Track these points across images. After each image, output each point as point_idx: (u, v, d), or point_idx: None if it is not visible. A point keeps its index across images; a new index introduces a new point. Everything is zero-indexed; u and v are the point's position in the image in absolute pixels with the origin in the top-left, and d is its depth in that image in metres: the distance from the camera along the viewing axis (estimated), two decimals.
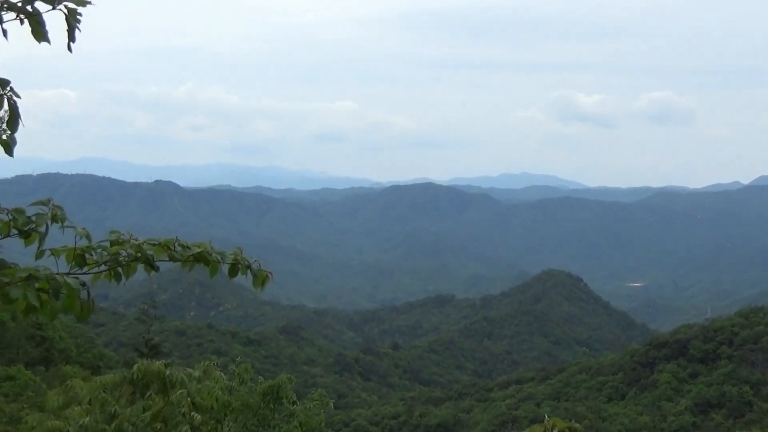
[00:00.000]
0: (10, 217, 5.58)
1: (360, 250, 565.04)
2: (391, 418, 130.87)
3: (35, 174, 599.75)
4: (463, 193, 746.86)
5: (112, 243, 5.84)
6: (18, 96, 5.45)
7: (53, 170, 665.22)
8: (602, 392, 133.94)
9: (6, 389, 44.21)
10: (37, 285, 5.34)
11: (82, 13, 5.45)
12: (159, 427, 13.11)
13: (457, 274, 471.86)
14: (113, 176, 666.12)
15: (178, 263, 6.12)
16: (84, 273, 5.74)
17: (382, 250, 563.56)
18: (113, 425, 13.30)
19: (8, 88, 5.41)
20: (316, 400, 19.24)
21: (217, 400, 15.59)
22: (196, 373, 15.36)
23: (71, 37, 5.43)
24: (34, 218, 5.66)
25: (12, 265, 5.51)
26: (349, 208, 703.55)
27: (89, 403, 14.02)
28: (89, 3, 5.44)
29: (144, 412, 13.29)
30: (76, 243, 5.71)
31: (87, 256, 5.77)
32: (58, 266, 5.68)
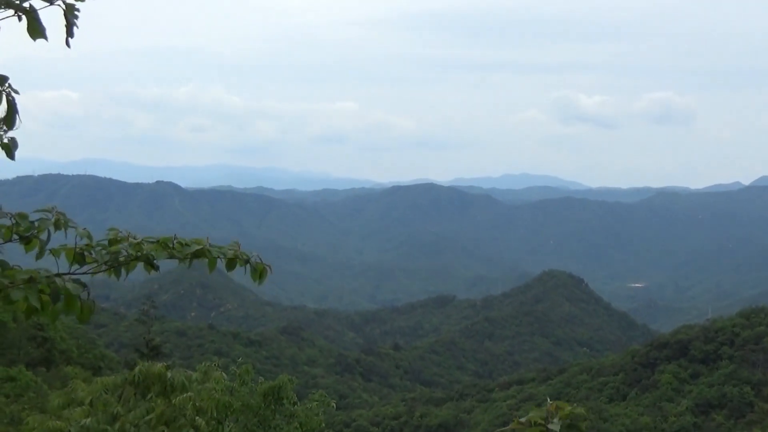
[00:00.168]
0: (13, 222, 5.60)
1: (361, 251, 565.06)
2: (392, 419, 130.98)
3: (36, 175, 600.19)
4: (464, 194, 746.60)
5: (111, 241, 5.86)
6: (16, 92, 5.46)
7: (54, 171, 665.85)
8: (603, 393, 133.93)
9: (7, 390, 44.23)
10: (37, 287, 5.36)
11: (80, 9, 5.46)
12: (162, 430, 13.13)
13: (458, 275, 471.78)
14: (114, 177, 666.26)
15: (178, 262, 6.14)
16: (84, 273, 5.77)
17: (383, 251, 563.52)
18: (115, 427, 13.32)
19: (6, 84, 5.42)
20: (317, 401, 19.26)
21: (218, 401, 15.62)
22: (197, 375, 15.38)
23: (69, 33, 5.44)
24: (37, 223, 5.68)
25: (14, 267, 5.53)
26: (350, 209, 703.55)
27: (90, 404, 14.04)
28: None
29: (147, 415, 13.31)
30: (76, 242, 5.73)
31: (87, 254, 5.79)
32: (59, 266, 5.70)
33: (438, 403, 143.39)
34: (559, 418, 5.15)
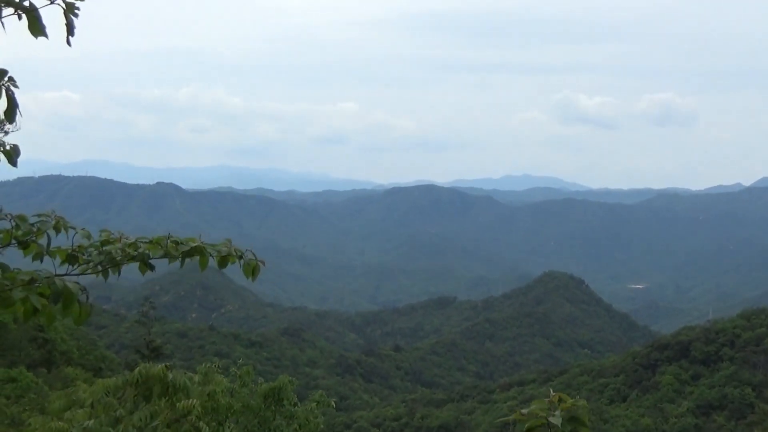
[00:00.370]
0: (13, 225, 5.61)
1: (362, 252, 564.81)
2: (393, 420, 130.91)
3: (37, 176, 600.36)
4: (465, 195, 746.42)
5: (103, 242, 5.87)
6: (16, 86, 5.46)
7: (55, 172, 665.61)
8: (604, 394, 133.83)
9: (8, 391, 44.21)
10: (37, 288, 5.37)
11: (80, 8, 5.46)
12: None
13: (458, 276, 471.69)
14: (115, 178, 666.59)
15: (168, 262, 6.15)
16: (81, 273, 5.78)
17: (384, 252, 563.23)
18: (118, 429, 13.31)
19: (6, 78, 5.42)
20: (317, 401, 19.24)
21: (218, 402, 15.61)
22: (198, 377, 15.37)
23: (70, 32, 5.45)
24: (37, 225, 5.69)
25: (14, 270, 5.55)
26: (350, 210, 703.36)
27: (92, 406, 14.02)
28: None
29: (150, 417, 13.29)
30: (72, 243, 5.75)
31: (79, 255, 5.81)
32: (55, 267, 5.71)
33: (439, 404, 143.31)
34: (561, 411, 5.16)
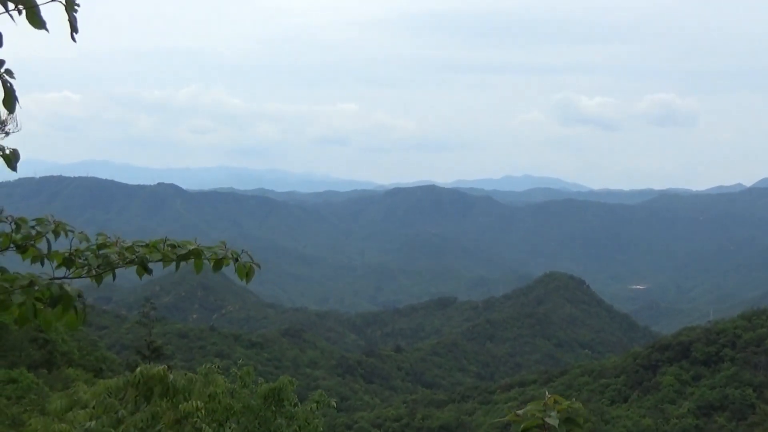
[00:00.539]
0: (13, 227, 5.61)
1: (362, 253, 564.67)
2: (394, 421, 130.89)
3: (38, 177, 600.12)
4: (466, 196, 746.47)
5: (99, 246, 5.88)
6: (13, 77, 5.45)
7: (56, 173, 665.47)
8: (605, 395, 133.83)
9: (9, 392, 44.23)
10: (36, 293, 5.38)
11: (80, 5, 5.45)
12: None
13: (459, 277, 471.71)
14: (116, 179, 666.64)
15: (163, 266, 6.15)
16: (74, 278, 5.78)
17: (385, 253, 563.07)
18: (119, 430, 13.31)
19: (3, 69, 5.42)
20: (317, 401, 19.23)
21: (219, 403, 15.61)
22: (199, 378, 15.37)
23: (73, 29, 5.44)
24: (36, 228, 5.68)
25: (13, 274, 5.55)
26: (351, 211, 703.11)
27: (93, 407, 14.02)
28: None
29: (152, 419, 13.29)
30: (71, 245, 5.76)
31: (75, 259, 5.81)
32: (53, 270, 5.72)
33: (439, 405, 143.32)
34: (557, 412, 5.17)
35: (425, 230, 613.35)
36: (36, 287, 5.37)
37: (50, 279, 5.51)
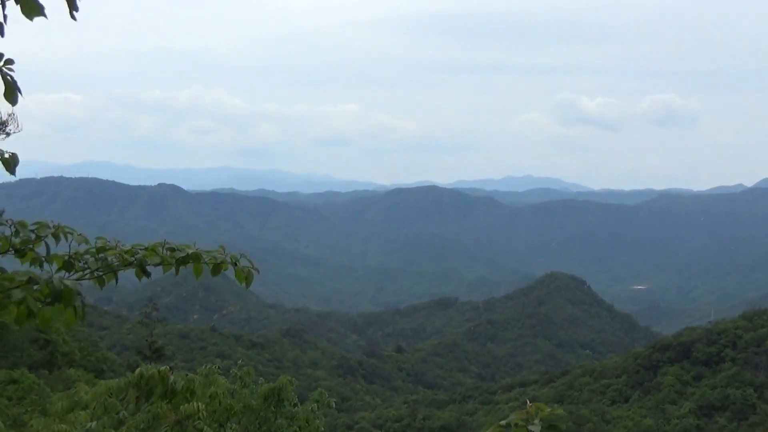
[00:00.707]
0: (13, 231, 5.63)
1: (363, 253, 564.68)
2: (395, 421, 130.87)
3: (38, 178, 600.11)
4: (467, 196, 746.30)
5: (99, 249, 5.89)
6: (12, 69, 5.46)
7: (56, 174, 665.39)
8: (606, 395, 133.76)
9: (10, 393, 44.24)
10: (36, 288, 5.39)
11: None
12: None
13: (460, 277, 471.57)
14: (117, 179, 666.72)
15: (163, 270, 6.16)
16: (78, 279, 5.79)
17: (386, 253, 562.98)
18: (121, 431, 13.32)
19: (2, 62, 5.43)
20: (317, 401, 19.23)
21: (220, 404, 15.62)
22: (200, 379, 15.38)
23: (73, 7, 5.45)
24: (35, 233, 5.69)
25: (12, 273, 5.57)
26: (352, 212, 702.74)
27: (95, 407, 14.03)
28: None
29: (153, 420, 13.29)
30: (70, 248, 5.77)
31: (75, 263, 5.83)
32: (53, 273, 5.73)
33: (440, 405, 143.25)
34: (540, 420, 5.22)
35: (426, 231, 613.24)
36: (36, 285, 5.38)
37: (53, 276, 5.53)
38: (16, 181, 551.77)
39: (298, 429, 18.19)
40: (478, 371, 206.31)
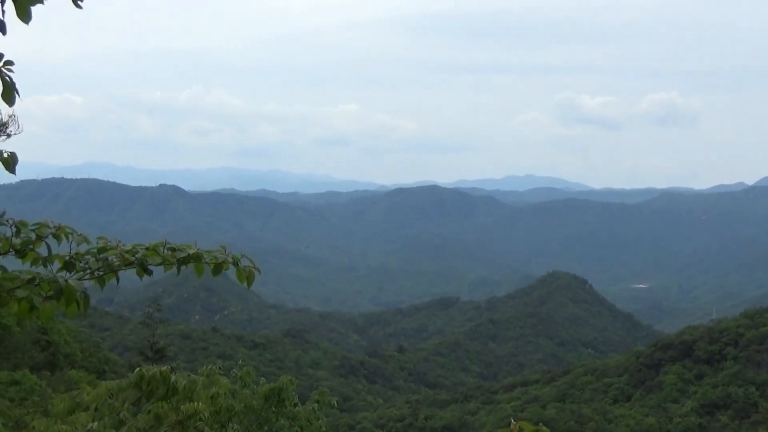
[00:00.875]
0: (14, 231, 5.63)
1: (365, 253, 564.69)
2: (397, 421, 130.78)
3: (40, 179, 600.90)
4: (468, 196, 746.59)
5: (100, 250, 5.90)
6: (12, 71, 5.45)
7: (57, 175, 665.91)
8: (608, 394, 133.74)
9: (11, 394, 44.24)
10: (37, 284, 5.40)
11: None
12: None
13: (461, 277, 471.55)
14: (118, 180, 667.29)
15: (164, 269, 6.17)
16: (80, 280, 5.80)
17: (387, 253, 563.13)
18: (122, 431, 13.30)
19: (1, 63, 5.42)
20: (318, 401, 19.22)
21: (221, 404, 15.61)
22: (201, 380, 15.37)
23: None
24: (35, 233, 5.69)
25: (13, 272, 5.58)
26: (353, 212, 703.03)
27: (96, 408, 14.02)
28: None
29: (154, 420, 13.28)
30: (71, 248, 5.78)
31: (76, 263, 5.83)
32: (53, 273, 5.74)
33: (442, 405, 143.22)
34: None
35: (427, 230, 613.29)
36: (37, 283, 5.39)
37: (55, 275, 5.54)
38: (17, 183, 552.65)
39: (299, 429, 18.19)
40: (479, 371, 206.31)
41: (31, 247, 5.67)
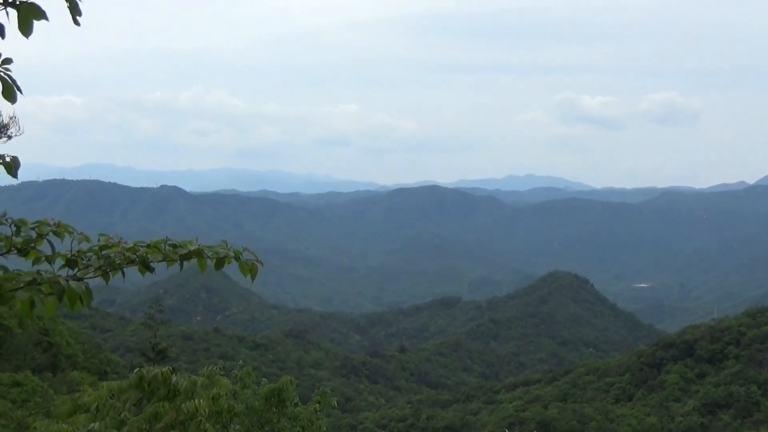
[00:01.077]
0: (14, 230, 5.65)
1: (366, 253, 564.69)
2: (399, 421, 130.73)
3: (41, 180, 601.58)
4: (469, 196, 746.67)
5: (102, 247, 5.92)
6: (9, 69, 5.46)
7: (59, 176, 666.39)
8: (609, 393, 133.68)
9: (13, 395, 44.27)
10: (39, 287, 5.42)
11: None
12: None
13: (463, 277, 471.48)
14: (119, 182, 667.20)
15: (167, 266, 6.19)
16: (79, 278, 5.81)
17: (388, 253, 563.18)
18: (123, 431, 13.31)
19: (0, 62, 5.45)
20: (319, 401, 19.22)
21: (222, 405, 15.61)
22: (202, 380, 15.38)
23: (76, 12, 5.45)
24: (36, 231, 5.71)
25: (14, 271, 5.60)
26: (354, 212, 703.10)
27: (97, 409, 14.03)
28: None
29: (154, 419, 13.29)
30: (72, 247, 5.80)
31: (79, 261, 5.85)
32: (55, 271, 5.75)
33: (444, 405, 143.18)
34: None
35: (428, 230, 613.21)
36: (38, 283, 5.41)
37: (56, 275, 5.55)
38: (19, 184, 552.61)
39: (301, 429, 18.18)
40: (481, 370, 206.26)
41: (33, 245, 5.69)
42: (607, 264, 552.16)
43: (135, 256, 5.95)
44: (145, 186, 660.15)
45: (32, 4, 5.22)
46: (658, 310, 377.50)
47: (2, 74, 5.40)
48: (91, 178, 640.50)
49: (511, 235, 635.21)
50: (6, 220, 5.67)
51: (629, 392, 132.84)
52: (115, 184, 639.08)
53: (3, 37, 5.31)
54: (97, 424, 13.28)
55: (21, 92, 5.53)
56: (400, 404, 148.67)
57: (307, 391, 22.23)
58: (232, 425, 16.07)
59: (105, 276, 5.92)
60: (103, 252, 5.91)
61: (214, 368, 16.74)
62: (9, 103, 5.48)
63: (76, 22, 5.50)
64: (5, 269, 5.57)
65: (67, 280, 5.48)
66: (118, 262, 5.90)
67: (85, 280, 5.67)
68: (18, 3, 5.20)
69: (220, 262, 6.23)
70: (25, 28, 5.26)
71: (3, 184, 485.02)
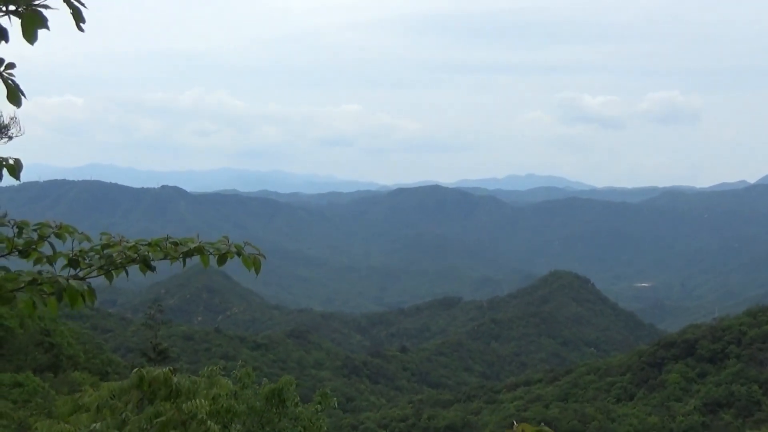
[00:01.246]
0: (16, 231, 5.67)
1: (367, 254, 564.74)
2: (400, 421, 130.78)
3: (42, 181, 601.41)
4: (470, 196, 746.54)
5: (103, 246, 5.95)
6: (13, 74, 5.50)
7: (60, 177, 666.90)
8: (611, 393, 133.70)
9: (15, 396, 44.31)
10: (40, 287, 5.44)
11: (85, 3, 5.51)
12: None
13: (464, 277, 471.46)
14: (120, 182, 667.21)
15: (170, 263, 6.21)
16: (81, 278, 5.83)
17: (389, 253, 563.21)
18: (124, 431, 13.32)
19: (2, 66, 5.47)
20: (319, 402, 19.23)
21: (222, 405, 15.62)
22: (203, 380, 15.39)
23: (80, 19, 5.48)
24: (37, 233, 5.73)
25: (15, 272, 5.63)
26: (355, 212, 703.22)
27: (98, 409, 14.05)
28: None
29: (155, 419, 13.30)
30: (73, 247, 5.82)
31: (81, 260, 5.88)
32: (56, 271, 5.77)
33: (445, 404, 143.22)
34: None
35: (429, 230, 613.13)
36: (39, 283, 5.43)
37: (57, 275, 5.57)
38: (20, 185, 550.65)
39: (302, 429, 18.19)
40: (482, 370, 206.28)
41: (34, 246, 5.72)
42: (608, 263, 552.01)
43: (136, 254, 5.98)
44: (146, 186, 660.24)
45: (36, 12, 5.25)
46: (659, 309, 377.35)
47: (7, 79, 5.43)
48: (93, 179, 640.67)
49: (512, 234, 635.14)
50: (8, 221, 5.69)
51: (630, 392, 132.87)
52: (116, 185, 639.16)
53: (7, 41, 5.34)
54: (98, 424, 13.29)
55: (25, 96, 5.57)
56: (401, 404, 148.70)
57: (308, 392, 22.25)
58: (233, 425, 16.09)
59: (108, 275, 5.95)
60: (105, 251, 5.93)
61: (215, 368, 16.76)
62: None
63: (80, 29, 5.53)
64: (6, 270, 5.59)
65: (67, 279, 5.50)
66: (119, 261, 5.93)
67: (88, 280, 5.70)
68: (21, 11, 5.23)
69: (222, 258, 6.27)
70: (30, 36, 5.30)
71: (4, 185, 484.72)
